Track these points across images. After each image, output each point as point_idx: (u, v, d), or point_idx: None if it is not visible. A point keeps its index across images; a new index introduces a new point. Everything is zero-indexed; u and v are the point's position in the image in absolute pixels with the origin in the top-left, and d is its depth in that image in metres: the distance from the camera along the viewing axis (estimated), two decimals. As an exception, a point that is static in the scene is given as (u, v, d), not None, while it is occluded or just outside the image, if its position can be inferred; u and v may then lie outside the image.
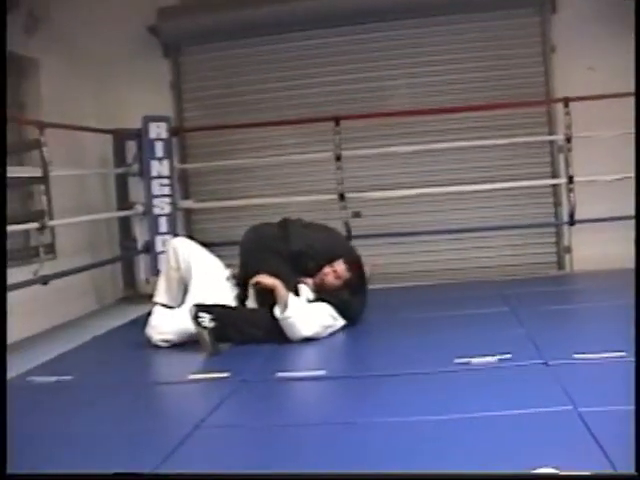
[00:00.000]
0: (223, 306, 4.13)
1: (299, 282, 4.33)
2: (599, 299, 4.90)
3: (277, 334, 4.03)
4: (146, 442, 2.62)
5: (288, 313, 4.02)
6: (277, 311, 4.04)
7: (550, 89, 6.43)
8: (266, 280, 4.12)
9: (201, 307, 3.93)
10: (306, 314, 4.08)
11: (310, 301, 4.27)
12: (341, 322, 4.29)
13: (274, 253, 4.35)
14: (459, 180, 6.42)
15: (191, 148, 6.96)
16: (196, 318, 3.86)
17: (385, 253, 6.18)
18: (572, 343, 3.56)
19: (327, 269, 4.39)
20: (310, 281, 4.40)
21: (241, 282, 4.33)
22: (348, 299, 4.35)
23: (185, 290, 4.41)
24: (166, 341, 4.12)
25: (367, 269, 4.63)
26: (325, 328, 4.17)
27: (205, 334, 3.84)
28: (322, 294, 4.33)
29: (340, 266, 4.40)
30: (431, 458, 2.01)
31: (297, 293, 4.22)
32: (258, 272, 4.19)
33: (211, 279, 4.37)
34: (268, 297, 4.09)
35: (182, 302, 4.31)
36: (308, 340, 4.06)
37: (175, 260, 4.49)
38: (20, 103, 5.80)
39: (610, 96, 5.74)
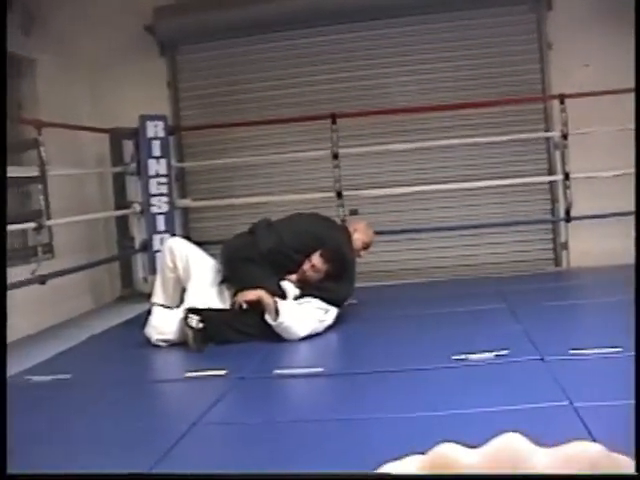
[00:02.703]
0: (217, 310, 4.18)
1: (282, 280, 4.34)
2: (595, 295, 4.92)
3: (273, 332, 4.04)
4: (144, 440, 2.63)
5: (280, 319, 4.02)
6: (269, 319, 4.04)
7: (546, 86, 6.43)
8: (249, 296, 4.11)
9: (192, 310, 4.02)
10: (298, 314, 4.08)
11: (297, 297, 4.27)
12: (334, 311, 4.28)
13: (247, 261, 4.31)
14: (456, 177, 6.41)
15: (188, 147, 6.95)
16: (185, 319, 3.97)
17: (382, 250, 6.17)
18: (568, 339, 3.57)
19: (306, 265, 4.35)
20: (293, 277, 4.40)
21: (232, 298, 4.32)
22: (334, 288, 4.33)
23: (183, 290, 4.43)
24: (166, 341, 4.13)
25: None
26: (320, 322, 4.17)
27: (190, 333, 3.93)
28: (306, 289, 4.32)
29: (317, 259, 4.33)
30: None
31: (283, 293, 4.23)
32: (241, 289, 4.19)
33: (208, 280, 4.39)
34: (259, 307, 4.09)
35: (181, 302, 4.33)
36: (306, 337, 4.07)
37: (172, 260, 4.51)
38: (17, 103, 5.80)
39: (606, 92, 5.74)
